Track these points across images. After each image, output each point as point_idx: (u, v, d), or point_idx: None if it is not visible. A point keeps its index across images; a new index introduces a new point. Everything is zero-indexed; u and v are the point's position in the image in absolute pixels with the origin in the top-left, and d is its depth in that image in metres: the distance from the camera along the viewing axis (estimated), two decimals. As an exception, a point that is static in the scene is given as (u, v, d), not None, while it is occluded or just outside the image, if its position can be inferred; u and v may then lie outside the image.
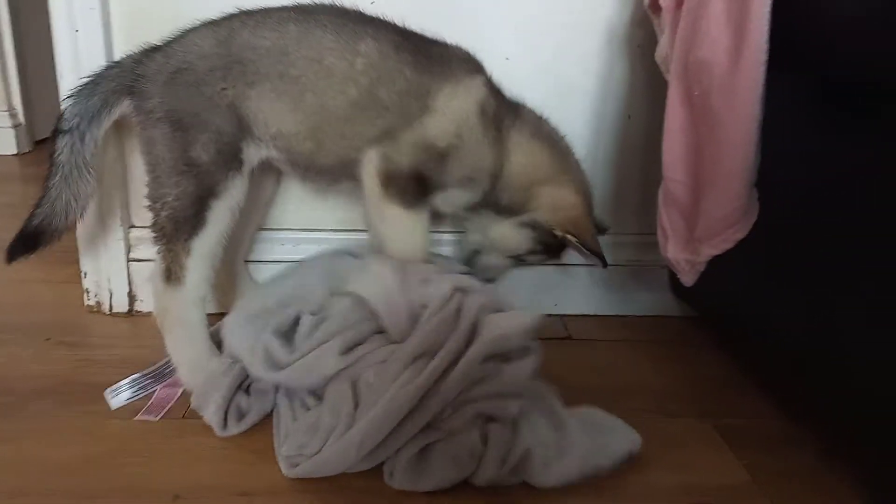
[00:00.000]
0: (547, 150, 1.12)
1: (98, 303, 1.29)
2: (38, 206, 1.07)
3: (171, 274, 1.03)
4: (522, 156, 1.10)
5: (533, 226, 1.11)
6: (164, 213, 1.03)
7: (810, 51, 0.82)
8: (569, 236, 1.08)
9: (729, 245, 0.91)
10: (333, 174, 1.10)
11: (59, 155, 1.05)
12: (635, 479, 0.90)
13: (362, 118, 1.04)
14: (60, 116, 1.04)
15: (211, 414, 0.93)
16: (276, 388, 0.97)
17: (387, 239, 1.09)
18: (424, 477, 0.84)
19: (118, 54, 1.15)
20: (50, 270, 1.37)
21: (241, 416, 0.94)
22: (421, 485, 0.84)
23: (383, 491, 0.84)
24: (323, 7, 1.07)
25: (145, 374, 1.06)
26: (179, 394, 1.02)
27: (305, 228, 1.31)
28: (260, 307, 1.04)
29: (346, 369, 0.93)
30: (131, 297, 1.29)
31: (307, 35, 1.03)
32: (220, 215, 1.03)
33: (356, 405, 0.88)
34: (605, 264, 1.11)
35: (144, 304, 1.29)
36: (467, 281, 1.00)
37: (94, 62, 1.12)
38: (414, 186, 1.06)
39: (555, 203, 1.10)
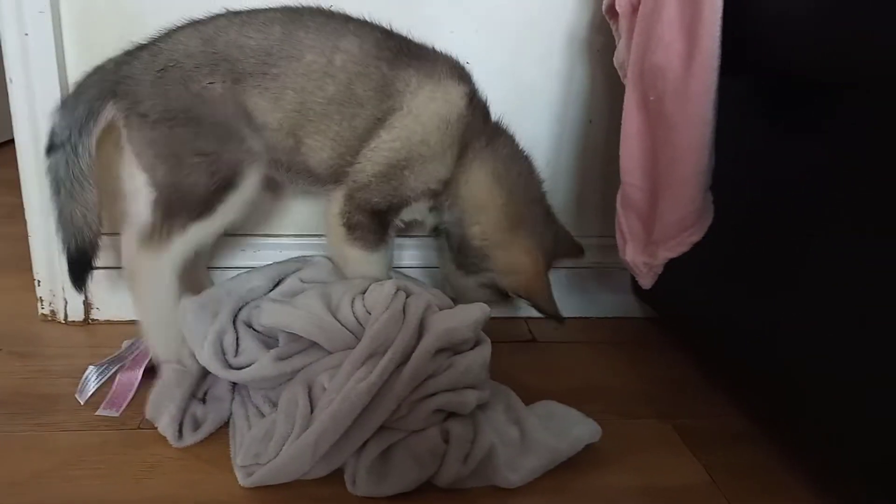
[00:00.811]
0: (501, 200, 1.10)
1: (52, 311, 1.26)
2: (61, 230, 1.05)
3: (153, 237, 1.01)
4: (480, 191, 1.10)
5: (490, 286, 1.15)
6: (174, 196, 1.01)
7: (754, 52, 0.83)
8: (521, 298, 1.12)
9: (684, 248, 0.92)
10: (313, 175, 1.09)
11: (56, 171, 1.02)
12: (595, 480, 0.91)
13: (338, 115, 1.03)
14: (51, 132, 1.02)
15: (165, 426, 0.91)
16: (232, 397, 0.96)
17: (346, 274, 1.11)
18: (386, 481, 0.84)
19: (69, 57, 1.14)
20: (2, 278, 1.33)
21: (196, 425, 0.92)
22: (384, 489, 0.83)
23: (345, 497, 0.84)
24: (309, 9, 1.07)
25: (107, 360, 1.05)
26: (140, 378, 1.01)
27: (266, 234, 1.29)
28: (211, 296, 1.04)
29: (299, 373, 0.92)
30: (87, 306, 1.26)
31: (290, 36, 1.02)
32: (232, 207, 1.03)
33: (312, 410, 0.87)
34: (560, 321, 1.14)
35: (101, 313, 1.26)
36: (409, 283, 1.01)
37: (45, 66, 1.10)
38: (377, 227, 1.07)
39: (507, 267, 1.12)
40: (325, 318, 0.96)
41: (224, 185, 1.01)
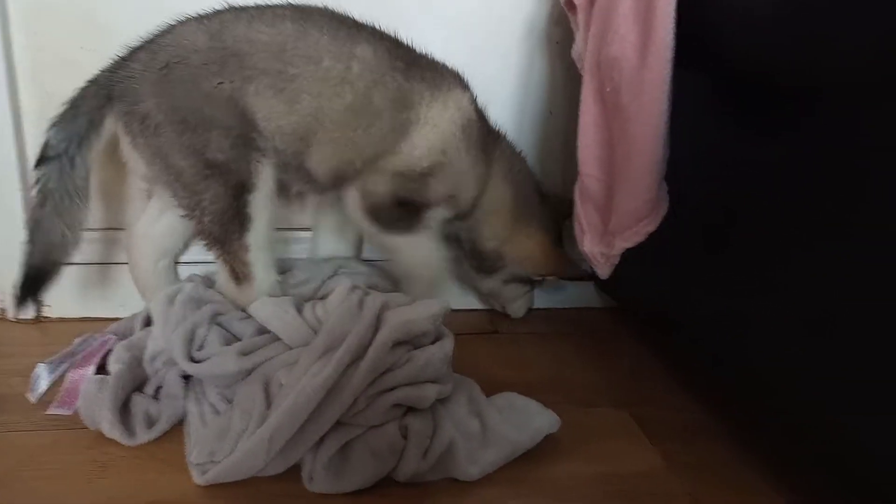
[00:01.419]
0: (510, 199, 1.15)
1: (2, 310, 1.22)
2: (30, 241, 1.00)
3: (238, 274, 1.02)
4: (495, 194, 1.14)
5: (515, 278, 1.22)
6: (206, 219, 1.00)
7: (706, 46, 0.84)
8: (547, 277, 1.16)
9: (640, 238, 0.93)
10: (321, 183, 1.07)
11: (46, 182, 0.97)
12: (553, 469, 0.91)
13: (355, 124, 1.02)
14: (45, 144, 0.97)
15: (108, 430, 0.88)
16: (186, 394, 0.94)
17: (405, 266, 1.14)
18: (345, 477, 0.83)
19: (17, 55, 1.11)
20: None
21: (150, 423, 0.90)
22: (342, 485, 0.83)
23: (302, 494, 0.83)
24: (318, 9, 1.05)
25: (57, 357, 1.03)
26: (91, 374, 0.97)
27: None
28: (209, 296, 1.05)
29: (256, 370, 0.91)
30: (38, 304, 1.22)
31: (304, 34, 1.00)
32: (261, 207, 1.02)
33: (268, 407, 0.86)
34: (594, 278, 1.15)
35: (53, 310, 1.23)
36: (365, 283, 1.03)
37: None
38: (402, 212, 1.07)
39: (519, 256, 1.18)
40: (288, 312, 0.96)
41: (242, 191, 0.99)
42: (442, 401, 0.93)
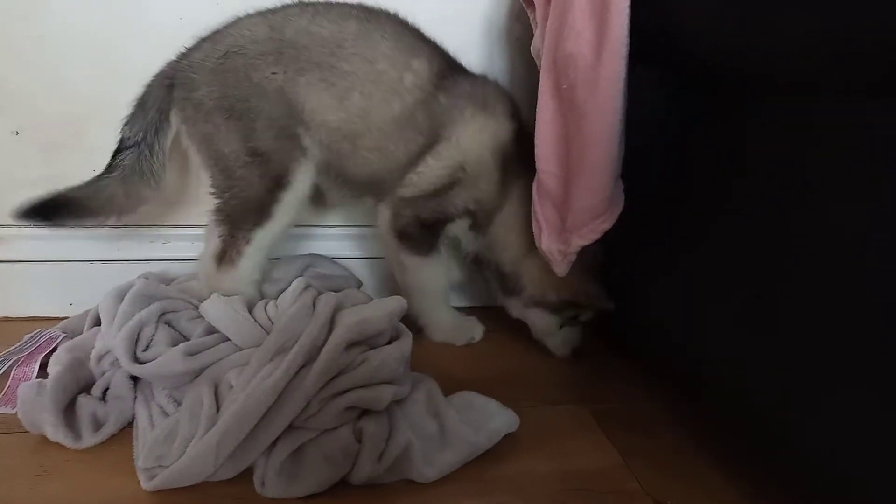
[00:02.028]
0: (525, 219, 1.11)
1: (-54, 310, 1.18)
2: (82, 185, 1.03)
3: (225, 257, 1.03)
4: (511, 211, 1.13)
5: (539, 303, 1.17)
6: (232, 202, 1.03)
7: (666, 44, 0.84)
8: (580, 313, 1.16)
9: (596, 236, 0.93)
10: (359, 188, 1.09)
11: (122, 161, 1.02)
12: (512, 467, 0.91)
13: (398, 137, 1.04)
14: (120, 140, 1.03)
15: (52, 434, 0.85)
16: (134, 395, 0.91)
17: (407, 285, 1.13)
18: (297, 482, 0.81)
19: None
20: None
21: (97, 425, 0.87)
22: (294, 490, 0.81)
23: (254, 498, 0.81)
24: (386, 14, 1.07)
25: (2, 355, 1.01)
26: (36, 372, 0.96)
27: (176, 225, 1.24)
28: (162, 292, 1.04)
29: (205, 371, 0.89)
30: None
31: (366, 35, 1.02)
32: (288, 208, 1.03)
33: (218, 409, 0.84)
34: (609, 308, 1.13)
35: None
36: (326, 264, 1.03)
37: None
38: (427, 235, 1.09)
39: (535, 277, 1.15)
40: (239, 312, 0.94)
41: (276, 186, 1.01)
42: (399, 402, 0.92)
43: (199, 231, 1.23)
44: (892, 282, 0.61)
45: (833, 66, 0.64)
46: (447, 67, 1.08)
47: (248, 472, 0.82)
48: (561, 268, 1.00)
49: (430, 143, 1.05)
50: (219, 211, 1.05)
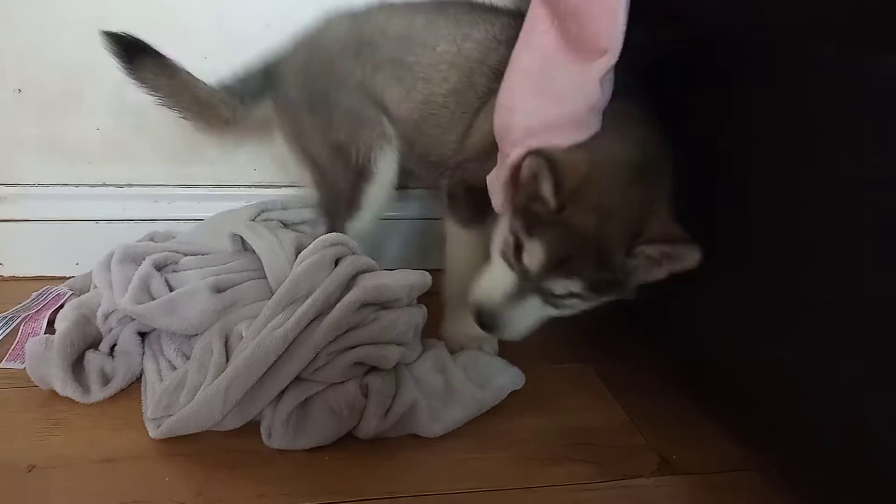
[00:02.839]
0: None
1: (-47, 270, 1.19)
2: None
3: None
4: None
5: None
6: (325, 196, 1.10)
7: None
8: None
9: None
10: (431, 163, 1.07)
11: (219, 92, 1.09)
12: (516, 423, 0.92)
13: (455, 106, 1.01)
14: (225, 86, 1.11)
15: (61, 389, 0.86)
16: (142, 351, 0.91)
17: (446, 259, 1.07)
18: (303, 434, 0.82)
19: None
20: None
21: (106, 380, 0.88)
22: (299, 442, 0.82)
23: (258, 449, 0.81)
24: (458, 3, 1.06)
25: (11, 311, 1.01)
26: (44, 327, 0.97)
27: (181, 185, 1.23)
28: (143, 247, 1.01)
29: (219, 321, 0.89)
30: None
31: (431, 24, 1.02)
32: (374, 198, 1.06)
33: (228, 360, 0.84)
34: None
35: (6, 269, 1.19)
36: (353, 242, 0.97)
37: None
38: (472, 203, 1.02)
39: None
40: (282, 254, 0.96)
41: (360, 178, 1.04)
42: (407, 364, 0.93)
43: (205, 191, 1.23)
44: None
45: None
46: (513, 21, 0.99)
47: (254, 426, 0.83)
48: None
49: (484, 99, 1.00)
50: (318, 205, 1.11)
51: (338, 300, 0.86)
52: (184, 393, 0.82)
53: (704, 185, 0.83)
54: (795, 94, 0.71)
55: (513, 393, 0.96)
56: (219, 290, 0.92)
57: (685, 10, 0.85)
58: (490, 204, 0.90)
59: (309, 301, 0.84)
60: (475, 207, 1.00)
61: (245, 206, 1.16)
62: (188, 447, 0.80)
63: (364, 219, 1.07)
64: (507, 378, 0.95)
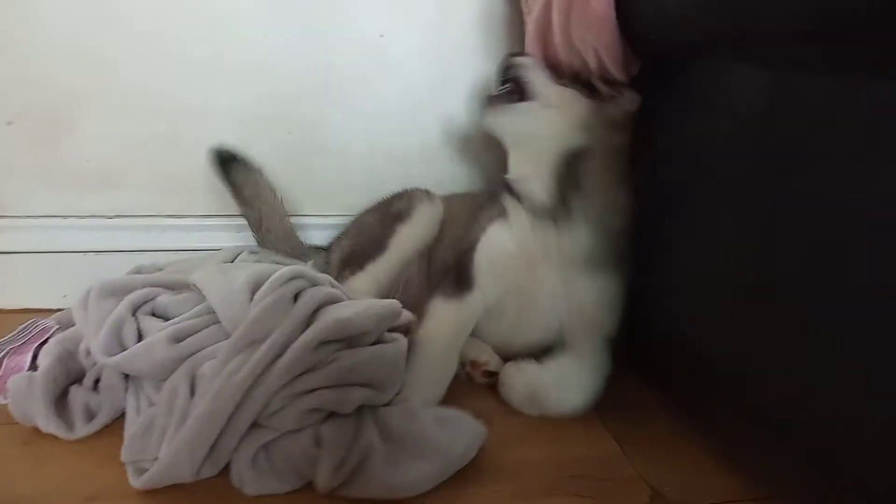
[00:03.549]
0: None
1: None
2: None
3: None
4: None
5: None
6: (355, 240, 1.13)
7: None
8: None
9: None
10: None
11: None
12: (508, 454, 0.90)
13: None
14: None
15: (44, 425, 0.84)
16: (126, 385, 0.89)
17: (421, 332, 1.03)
18: (275, 477, 0.77)
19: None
20: None
21: (91, 416, 0.86)
22: (272, 486, 0.77)
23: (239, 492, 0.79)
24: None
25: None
26: (29, 362, 0.95)
27: (172, 215, 1.23)
28: (123, 282, 0.97)
29: (185, 361, 0.85)
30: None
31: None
32: (403, 240, 1.07)
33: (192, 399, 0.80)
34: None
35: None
36: (314, 273, 0.91)
37: None
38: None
39: None
40: (236, 296, 0.87)
41: (397, 219, 1.07)
42: (374, 407, 0.85)
43: (196, 221, 1.23)
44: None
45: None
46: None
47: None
48: None
49: None
50: (341, 257, 1.15)
51: (296, 338, 0.81)
52: (154, 437, 0.78)
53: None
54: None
55: (503, 423, 0.95)
56: (178, 339, 0.86)
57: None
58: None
59: (266, 345, 0.79)
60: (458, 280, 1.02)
61: (225, 249, 1.16)
62: (172, 486, 0.77)
63: (387, 262, 1.07)
64: (476, 432, 0.87)
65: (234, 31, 1.14)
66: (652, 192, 0.96)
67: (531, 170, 1.00)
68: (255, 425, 0.78)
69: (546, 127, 0.99)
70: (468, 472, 0.85)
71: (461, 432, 0.85)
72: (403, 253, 1.08)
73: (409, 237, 1.08)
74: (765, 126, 0.75)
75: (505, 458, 0.89)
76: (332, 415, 0.82)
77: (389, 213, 1.09)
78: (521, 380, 0.98)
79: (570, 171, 0.97)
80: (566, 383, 0.98)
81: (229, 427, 0.76)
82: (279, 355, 0.79)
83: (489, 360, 1.05)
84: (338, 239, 1.21)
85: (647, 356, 1.04)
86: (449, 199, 1.17)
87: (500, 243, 1.01)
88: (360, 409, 0.83)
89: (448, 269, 1.06)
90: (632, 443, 0.94)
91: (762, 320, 0.75)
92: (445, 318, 1.00)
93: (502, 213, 1.02)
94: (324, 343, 0.81)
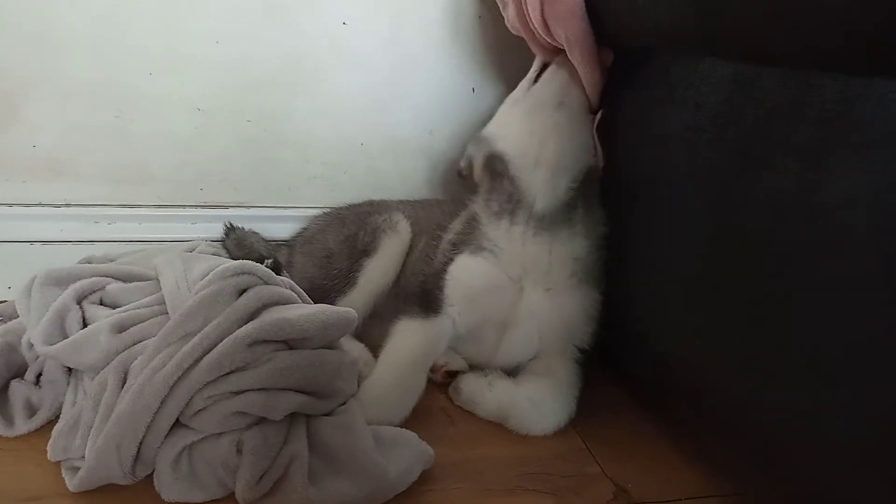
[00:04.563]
0: None
1: None
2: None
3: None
4: None
5: None
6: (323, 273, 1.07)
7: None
8: None
9: None
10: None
11: None
12: (471, 452, 0.89)
13: None
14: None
15: None
16: (68, 380, 0.84)
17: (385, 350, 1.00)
18: (196, 485, 0.72)
19: None
20: None
21: (32, 411, 0.82)
22: (192, 494, 0.72)
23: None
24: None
25: None
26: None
27: (123, 205, 1.18)
28: (69, 270, 0.91)
29: (121, 354, 0.78)
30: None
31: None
32: (371, 275, 1.05)
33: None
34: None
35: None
36: (269, 273, 0.85)
37: None
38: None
39: None
40: (187, 285, 0.83)
41: (364, 254, 1.05)
42: (311, 416, 0.79)
43: (148, 211, 1.19)
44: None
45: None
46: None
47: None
48: None
49: None
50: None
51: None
52: (79, 435, 0.73)
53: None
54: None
55: (467, 421, 0.94)
56: (122, 328, 0.80)
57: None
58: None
59: (196, 339, 0.73)
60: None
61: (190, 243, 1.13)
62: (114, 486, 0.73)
63: (356, 297, 1.04)
64: (418, 457, 0.81)
65: (191, 15, 1.10)
66: (616, 186, 0.96)
67: (542, 182, 0.96)
68: (179, 425, 0.73)
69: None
70: (431, 470, 0.83)
71: (400, 456, 0.78)
72: (374, 287, 1.07)
73: (377, 270, 1.06)
74: (728, 119, 0.75)
75: (468, 455, 0.88)
76: (260, 420, 0.75)
77: (356, 247, 1.07)
78: (493, 398, 0.95)
79: (584, 182, 0.96)
80: (542, 406, 0.94)
81: (153, 425, 0.70)
82: (210, 350, 0.73)
83: (448, 360, 1.02)
84: (302, 251, 1.16)
85: (609, 353, 1.03)
86: (415, 212, 1.15)
87: (475, 276, 0.98)
88: (294, 417, 0.78)
89: (413, 289, 1.04)
90: (596, 440, 0.94)
91: (719, 316, 0.75)
92: (411, 338, 0.97)
93: (474, 242, 0.99)
94: (259, 343, 0.75)
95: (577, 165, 0.96)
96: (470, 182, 1.04)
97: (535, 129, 0.97)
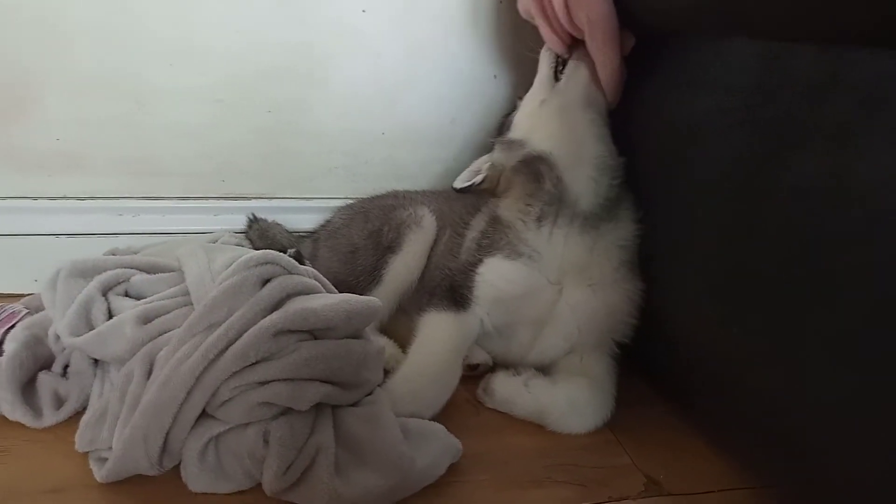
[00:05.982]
0: None
1: None
2: None
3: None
4: None
5: None
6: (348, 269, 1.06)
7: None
8: None
9: None
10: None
11: None
12: (498, 443, 0.87)
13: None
14: None
15: (10, 413, 0.80)
16: (94, 371, 0.84)
17: (416, 345, 0.98)
18: (223, 476, 0.72)
19: None
20: None
21: (59, 403, 0.82)
22: (219, 485, 0.72)
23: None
24: None
25: None
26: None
27: (146, 197, 1.19)
28: (94, 262, 0.91)
29: (147, 345, 0.77)
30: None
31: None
32: (396, 272, 1.04)
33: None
34: None
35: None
36: (293, 262, 0.83)
37: None
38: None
39: None
40: (211, 276, 0.82)
41: (389, 250, 1.04)
42: (338, 407, 0.79)
43: (171, 203, 1.19)
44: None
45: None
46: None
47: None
48: None
49: None
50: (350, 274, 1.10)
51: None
52: (106, 426, 0.73)
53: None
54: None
55: (492, 410, 0.93)
56: (147, 319, 0.80)
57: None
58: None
59: (222, 329, 0.72)
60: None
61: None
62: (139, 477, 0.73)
63: (382, 293, 1.02)
64: (447, 449, 0.80)
65: (207, 4, 1.09)
66: (637, 177, 0.95)
67: (586, 181, 0.94)
68: (205, 416, 0.73)
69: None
70: (454, 461, 0.83)
71: (428, 448, 0.77)
72: (399, 284, 1.05)
73: (402, 267, 1.05)
74: (759, 100, 0.72)
75: (493, 445, 0.87)
76: (286, 411, 0.75)
77: (380, 243, 1.05)
78: (531, 400, 0.92)
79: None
80: (582, 407, 0.91)
81: (180, 416, 0.70)
82: (235, 340, 0.72)
83: (469, 353, 0.99)
84: (326, 244, 1.15)
85: (636, 344, 1.01)
86: (439, 205, 1.13)
87: (511, 282, 0.95)
88: (320, 408, 0.77)
89: (440, 282, 1.01)
90: (626, 431, 0.92)
91: (749, 305, 0.73)
92: (444, 331, 0.95)
93: (507, 247, 0.95)
94: (284, 333, 0.74)
95: (616, 161, 0.94)
96: (486, 191, 1.03)
97: (572, 128, 0.95)
